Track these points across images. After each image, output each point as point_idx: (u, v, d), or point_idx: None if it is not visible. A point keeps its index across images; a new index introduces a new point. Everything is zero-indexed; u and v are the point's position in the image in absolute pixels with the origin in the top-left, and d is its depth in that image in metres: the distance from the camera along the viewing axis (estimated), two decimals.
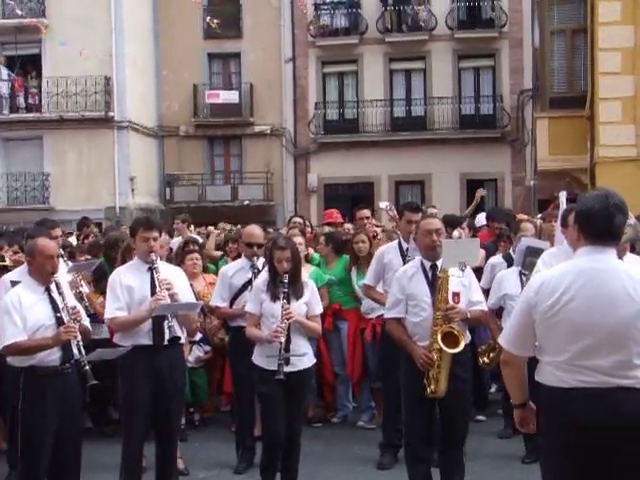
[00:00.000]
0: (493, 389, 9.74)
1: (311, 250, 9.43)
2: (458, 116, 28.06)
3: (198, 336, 8.71)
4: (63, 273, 7.51)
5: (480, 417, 8.82)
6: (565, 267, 4.13)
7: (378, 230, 9.76)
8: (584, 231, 4.03)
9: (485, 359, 7.65)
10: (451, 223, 9.24)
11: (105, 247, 9.13)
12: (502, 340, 4.24)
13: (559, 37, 19.36)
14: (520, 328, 4.11)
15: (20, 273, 6.48)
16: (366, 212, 10.28)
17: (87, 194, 26.56)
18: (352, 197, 26.16)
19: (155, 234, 6.42)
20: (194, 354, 8.78)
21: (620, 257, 8.27)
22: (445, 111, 27.97)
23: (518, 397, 4.26)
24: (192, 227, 13.95)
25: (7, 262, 8.02)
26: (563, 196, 8.52)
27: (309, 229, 10.82)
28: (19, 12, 26.10)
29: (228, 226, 15.18)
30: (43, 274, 5.91)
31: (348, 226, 11.20)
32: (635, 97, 17.35)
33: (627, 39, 17.35)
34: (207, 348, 8.88)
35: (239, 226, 13.27)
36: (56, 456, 5.89)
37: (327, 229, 11.17)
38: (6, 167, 27.68)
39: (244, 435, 7.59)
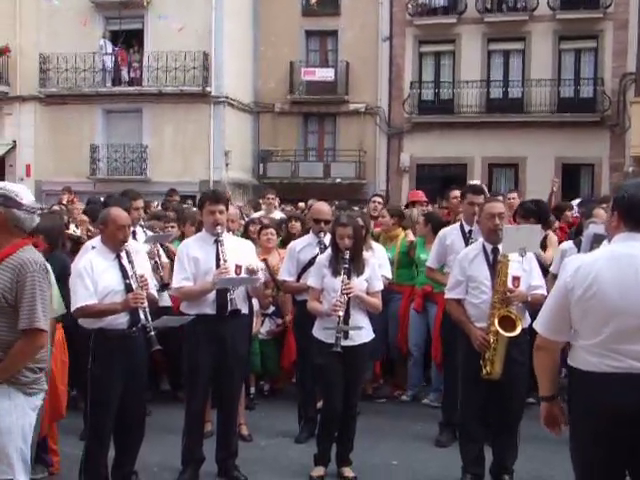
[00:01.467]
0: (562, 374, 9.62)
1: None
2: (557, 99, 27.58)
3: (271, 309, 8.96)
4: (141, 242, 7.85)
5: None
6: (602, 252, 4.19)
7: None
8: (625, 218, 4.04)
9: None
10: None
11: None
12: (537, 325, 4.22)
13: None
14: (556, 312, 4.11)
15: (98, 240, 6.78)
16: (457, 193, 10.20)
17: (183, 167, 27.04)
18: (444, 178, 25.90)
19: (221, 207, 6.56)
20: (266, 326, 8.96)
21: None
22: (543, 93, 27.52)
23: (548, 388, 4.21)
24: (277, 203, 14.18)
25: (78, 233, 8.35)
26: None
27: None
28: None
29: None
30: (114, 242, 6.15)
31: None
32: None
33: None
34: (279, 321, 9.02)
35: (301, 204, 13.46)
36: (121, 415, 6.13)
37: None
38: (107, 138, 28.38)
39: (306, 406, 7.76)
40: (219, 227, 6.51)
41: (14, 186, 4.74)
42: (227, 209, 6.83)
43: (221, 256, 6.46)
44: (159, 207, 13.27)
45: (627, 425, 3.87)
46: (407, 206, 11.92)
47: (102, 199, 10.64)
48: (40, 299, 4.48)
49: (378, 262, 7.19)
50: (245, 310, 6.71)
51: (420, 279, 9.01)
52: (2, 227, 4.56)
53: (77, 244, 8.18)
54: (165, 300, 8.10)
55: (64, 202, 14.96)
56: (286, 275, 7.63)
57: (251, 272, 6.53)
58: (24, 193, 4.68)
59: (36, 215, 4.72)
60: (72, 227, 9.32)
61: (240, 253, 6.65)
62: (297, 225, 9.64)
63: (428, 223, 9.21)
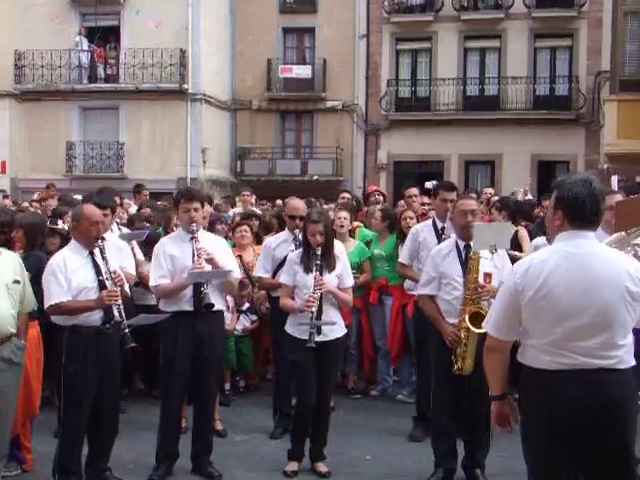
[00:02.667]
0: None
1: (356, 223, 9.59)
2: (532, 96, 27.70)
3: (245, 306, 8.97)
4: (115, 239, 7.83)
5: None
6: (550, 252, 4.15)
7: (427, 208, 9.85)
8: (570, 217, 4.04)
9: None
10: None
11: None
12: (487, 326, 4.24)
13: (634, 18, 18.91)
14: (506, 313, 4.12)
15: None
16: (414, 190, 10.30)
17: (160, 164, 26.97)
18: (421, 175, 25.77)
19: (196, 205, 6.59)
20: (241, 323, 8.99)
21: None
22: (519, 91, 27.64)
23: (498, 387, 4.22)
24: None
25: (63, 226, 8.31)
26: (615, 180, 8.48)
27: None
28: None
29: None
30: (87, 239, 6.13)
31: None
32: None
33: None
34: (254, 318, 9.05)
35: (278, 201, 13.53)
36: (95, 412, 6.14)
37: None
38: (83, 135, 28.21)
39: (281, 402, 7.78)
40: (194, 224, 6.53)
41: None
42: (203, 207, 6.86)
43: (195, 252, 6.47)
44: (133, 205, 13.17)
45: (579, 420, 3.93)
46: (366, 198, 12.04)
47: (76, 197, 10.61)
48: None
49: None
50: (220, 307, 6.72)
51: (376, 273, 9.12)
52: None
53: (66, 239, 8.17)
54: (151, 299, 8.16)
55: (35, 199, 14.92)
56: (261, 272, 7.64)
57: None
58: None
59: None
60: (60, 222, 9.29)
61: (216, 250, 6.66)
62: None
63: (385, 219, 9.32)
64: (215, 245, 6.78)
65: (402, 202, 10.57)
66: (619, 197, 6.44)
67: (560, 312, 3.96)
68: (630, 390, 4.03)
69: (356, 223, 9.70)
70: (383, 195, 11.82)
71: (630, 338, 4.05)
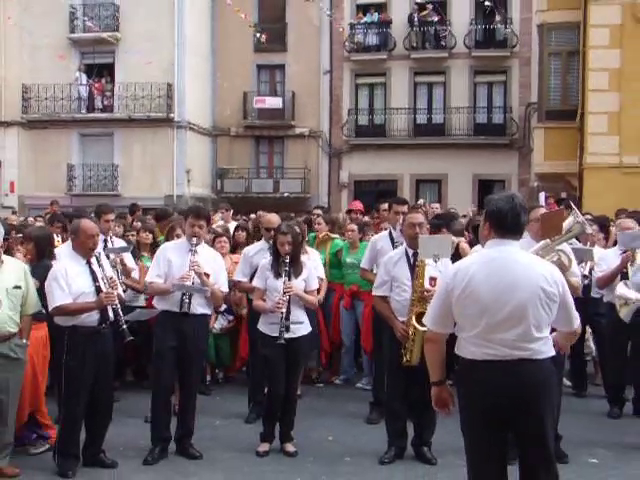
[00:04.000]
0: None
1: (334, 235, 9.58)
2: (472, 124, 27.84)
3: (223, 307, 8.82)
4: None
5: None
6: (476, 257, 4.25)
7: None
8: (495, 227, 4.12)
9: None
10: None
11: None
12: (426, 320, 4.31)
13: (556, 58, 19.20)
14: (441, 310, 4.17)
15: (67, 246, 6.55)
16: (385, 206, 10.17)
17: (149, 184, 26.83)
18: (378, 192, 25.82)
19: (201, 222, 6.53)
20: (219, 323, 8.90)
21: (592, 244, 8.33)
22: (461, 119, 27.79)
23: (437, 374, 4.25)
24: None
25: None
26: (542, 196, 8.52)
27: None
28: (96, 27, 26.65)
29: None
30: (84, 249, 6.11)
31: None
32: (619, 112, 17.22)
33: (614, 61, 17.27)
34: (230, 317, 8.97)
35: (252, 215, 13.44)
36: (91, 402, 6.12)
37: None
38: (82, 159, 28.08)
39: (255, 392, 7.72)
40: (195, 239, 6.47)
41: None
42: (208, 224, 6.80)
43: (188, 264, 6.39)
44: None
45: (505, 404, 3.98)
46: (347, 213, 12.01)
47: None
48: None
49: (314, 264, 7.24)
50: (205, 310, 6.63)
51: (348, 279, 9.05)
52: None
53: None
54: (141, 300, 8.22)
55: (42, 214, 14.77)
56: (240, 276, 7.56)
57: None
58: None
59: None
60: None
61: (212, 264, 6.60)
62: (243, 234, 9.65)
63: (361, 231, 9.29)
64: (211, 259, 6.68)
65: (365, 217, 10.51)
66: (543, 210, 6.49)
67: (482, 308, 4.00)
68: (547, 377, 4.06)
69: (333, 235, 9.63)
70: (362, 212, 11.78)
71: (547, 332, 4.09)
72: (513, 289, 3.99)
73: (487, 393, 3.99)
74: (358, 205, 12.35)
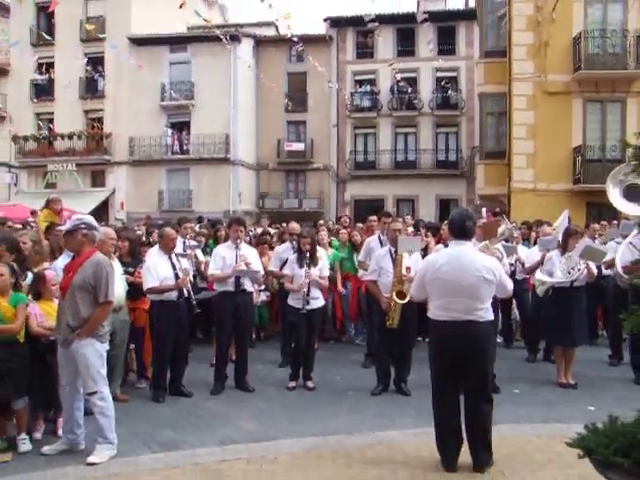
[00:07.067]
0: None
1: (331, 238, 9.48)
2: (435, 161, 27.57)
3: (262, 287, 8.85)
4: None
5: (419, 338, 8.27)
6: (442, 252, 4.34)
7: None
8: (452, 231, 4.16)
9: None
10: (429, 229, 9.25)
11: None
12: (410, 291, 4.52)
13: (491, 116, 19.22)
14: (419, 286, 4.27)
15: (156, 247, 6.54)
16: (374, 218, 10.06)
17: (213, 202, 26.69)
18: (371, 208, 25.69)
19: (241, 228, 6.50)
20: (260, 298, 8.79)
21: (517, 243, 8.16)
22: (428, 158, 27.56)
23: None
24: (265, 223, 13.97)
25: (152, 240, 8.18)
26: (484, 211, 8.34)
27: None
28: (178, 97, 26.77)
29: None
30: (167, 248, 6.12)
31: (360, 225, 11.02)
32: (534, 153, 17.36)
33: (529, 119, 17.44)
34: (268, 294, 8.89)
35: (284, 224, 13.31)
36: (174, 352, 6.13)
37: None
38: (168, 186, 28.04)
39: (285, 346, 7.63)
40: (238, 240, 6.45)
41: (88, 217, 4.64)
42: (245, 229, 6.75)
43: (237, 258, 6.38)
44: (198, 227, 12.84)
45: (458, 349, 4.02)
46: (338, 219, 11.93)
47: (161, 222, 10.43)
48: (110, 283, 4.41)
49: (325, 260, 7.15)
50: (251, 289, 6.62)
51: (341, 268, 8.96)
52: (87, 242, 4.47)
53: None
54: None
55: (141, 224, 14.79)
56: (273, 267, 7.59)
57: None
58: (94, 220, 4.62)
59: (97, 232, 4.60)
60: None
61: (250, 256, 6.57)
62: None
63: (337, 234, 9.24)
64: (251, 254, 6.66)
65: (361, 225, 10.40)
66: (483, 220, 6.47)
67: (444, 286, 4.04)
68: (486, 333, 4.08)
69: (332, 238, 9.57)
70: (349, 218, 11.72)
71: (488, 304, 4.09)
72: (464, 276, 4.00)
73: (447, 342, 4.03)
74: (345, 215, 12.30)
